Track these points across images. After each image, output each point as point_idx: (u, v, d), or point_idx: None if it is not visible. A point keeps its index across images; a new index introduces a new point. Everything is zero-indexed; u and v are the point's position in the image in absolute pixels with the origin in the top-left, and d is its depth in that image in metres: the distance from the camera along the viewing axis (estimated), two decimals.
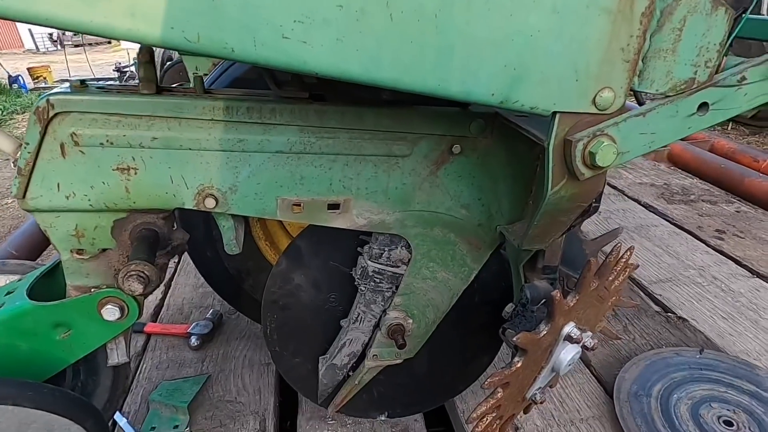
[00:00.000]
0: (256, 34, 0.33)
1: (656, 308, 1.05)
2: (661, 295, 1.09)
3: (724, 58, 0.44)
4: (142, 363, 0.92)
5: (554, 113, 0.41)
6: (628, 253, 0.57)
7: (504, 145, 0.54)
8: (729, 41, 0.44)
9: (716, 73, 0.43)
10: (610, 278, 0.57)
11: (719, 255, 1.22)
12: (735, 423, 0.75)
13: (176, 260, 1.20)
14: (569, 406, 0.80)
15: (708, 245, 1.26)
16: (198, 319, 1.04)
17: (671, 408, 0.77)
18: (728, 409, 0.77)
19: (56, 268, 0.55)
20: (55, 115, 0.43)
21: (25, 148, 0.44)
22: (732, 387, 0.81)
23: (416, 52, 0.36)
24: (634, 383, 0.82)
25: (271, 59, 0.35)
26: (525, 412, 0.67)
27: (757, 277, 1.14)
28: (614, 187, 1.63)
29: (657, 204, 1.49)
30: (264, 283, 0.65)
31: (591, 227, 1.39)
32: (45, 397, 0.47)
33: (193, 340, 0.99)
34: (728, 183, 1.71)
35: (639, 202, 1.51)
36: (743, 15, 0.45)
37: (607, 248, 0.62)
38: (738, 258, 1.21)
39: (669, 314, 1.02)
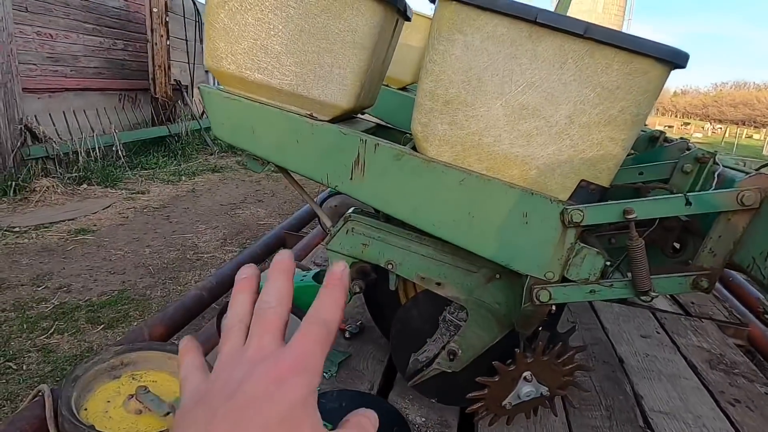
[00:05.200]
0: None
1: (642, 424, 1.49)
2: (652, 419, 1.52)
3: (610, 268, 1.03)
4: None
5: (527, 275, 1.04)
6: (576, 355, 1.14)
7: (519, 282, 1.17)
8: (611, 268, 1.02)
9: (600, 278, 1.01)
10: (558, 361, 1.14)
11: (721, 413, 1.60)
12: None
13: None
14: None
15: (717, 404, 1.64)
16: (351, 323, 1.78)
17: None
18: None
19: (321, 272, 1.32)
20: (350, 219, 1.20)
21: (332, 229, 1.21)
22: None
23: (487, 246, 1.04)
24: None
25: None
26: (507, 422, 1.24)
27: None
28: (674, 343, 2.02)
29: (699, 364, 1.87)
30: (393, 312, 1.34)
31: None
32: (302, 314, 1.22)
33: (347, 334, 1.73)
34: None
35: (685, 359, 1.90)
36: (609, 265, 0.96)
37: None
38: (735, 422, 1.57)
39: (648, 430, 1.47)
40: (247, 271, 0.40)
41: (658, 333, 2.08)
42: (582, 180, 0.98)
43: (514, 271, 1.07)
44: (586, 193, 0.99)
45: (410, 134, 1.23)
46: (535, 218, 1.01)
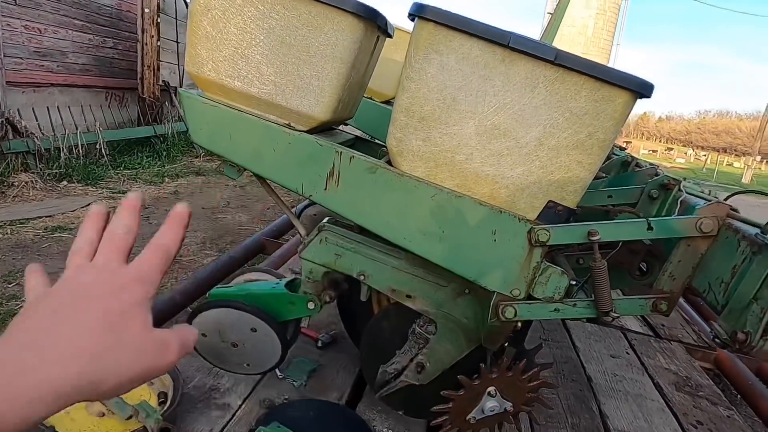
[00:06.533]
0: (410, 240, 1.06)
1: None
2: None
3: (575, 287, 1.05)
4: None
5: (494, 291, 1.06)
6: (540, 377, 1.16)
7: (488, 296, 1.19)
8: (576, 288, 1.05)
9: (565, 296, 1.04)
10: (523, 378, 1.16)
11: None
12: None
13: None
14: None
15: (681, 426, 1.67)
16: (324, 333, 1.78)
17: None
18: None
19: (294, 280, 1.33)
20: (324, 230, 1.21)
21: (307, 238, 1.22)
22: None
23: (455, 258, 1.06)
24: None
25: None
26: None
27: None
28: (642, 364, 2.06)
29: (665, 386, 1.90)
30: (366, 323, 1.35)
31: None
32: (272, 322, 1.22)
33: (319, 343, 1.73)
34: (750, 399, 2.02)
35: (652, 380, 1.93)
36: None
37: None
38: None
39: None
40: (98, 209, 0.45)
41: (627, 353, 2.12)
42: (549, 201, 1.01)
43: (482, 287, 1.09)
44: (553, 213, 1.01)
45: (387, 148, 1.25)
46: (503, 236, 1.03)
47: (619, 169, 1.55)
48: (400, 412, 1.36)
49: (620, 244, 1.03)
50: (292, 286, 1.30)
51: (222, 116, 1.08)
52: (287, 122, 1.08)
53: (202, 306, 1.24)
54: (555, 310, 1.05)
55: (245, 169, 1.14)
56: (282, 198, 1.31)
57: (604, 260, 0.98)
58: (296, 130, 1.08)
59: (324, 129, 1.21)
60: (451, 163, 1.02)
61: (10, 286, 2.70)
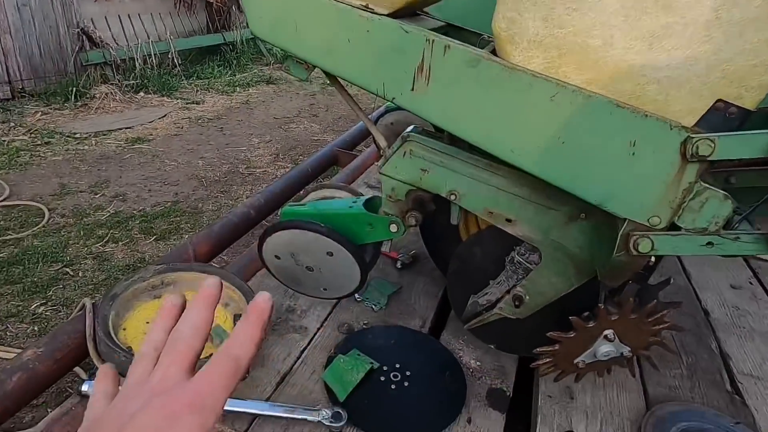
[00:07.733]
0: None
1: (729, 388, 1.31)
2: (741, 383, 1.34)
3: (735, 215, 0.80)
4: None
5: (625, 219, 0.84)
6: (664, 313, 0.96)
7: (609, 223, 0.96)
8: (741, 216, 0.80)
9: (724, 228, 0.80)
10: (648, 321, 0.96)
11: None
12: None
13: None
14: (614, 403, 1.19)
15: None
16: (404, 253, 1.64)
17: None
18: None
19: (373, 199, 1.16)
20: (408, 140, 1.01)
21: (387, 149, 1.03)
22: None
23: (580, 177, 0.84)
24: (668, 410, 1.16)
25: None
26: (576, 380, 1.10)
27: None
28: None
29: None
30: (451, 246, 1.18)
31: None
32: (350, 246, 1.08)
33: (399, 264, 1.60)
34: None
35: None
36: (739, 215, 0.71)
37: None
38: None
39: (736, 397, 1.29)
40: (172, 301, 0.40)
41: (751, 284, 1.83)
42: (719, 100, 0.74)
43: (604, 212, 0.87)
44: (722, 117, 0.75)
45: (488, 36, 1.00)
46: (645, 148, 0.78)
47: None
48: (492, 346, 1.23)
49: None
50: (371, 205, 1.14)
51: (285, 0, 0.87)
52: (365, 3, 0.86)
53: (274, 227, 1.11)
54: (708, 244, 0.81)
55: (315, 67, 0.94)
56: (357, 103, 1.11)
57: None
58: (376, 14, 0.86)
59: (409, 14, 0.97)
60: (581, 51, 0.76)
61: (96, 196, 2.79)
